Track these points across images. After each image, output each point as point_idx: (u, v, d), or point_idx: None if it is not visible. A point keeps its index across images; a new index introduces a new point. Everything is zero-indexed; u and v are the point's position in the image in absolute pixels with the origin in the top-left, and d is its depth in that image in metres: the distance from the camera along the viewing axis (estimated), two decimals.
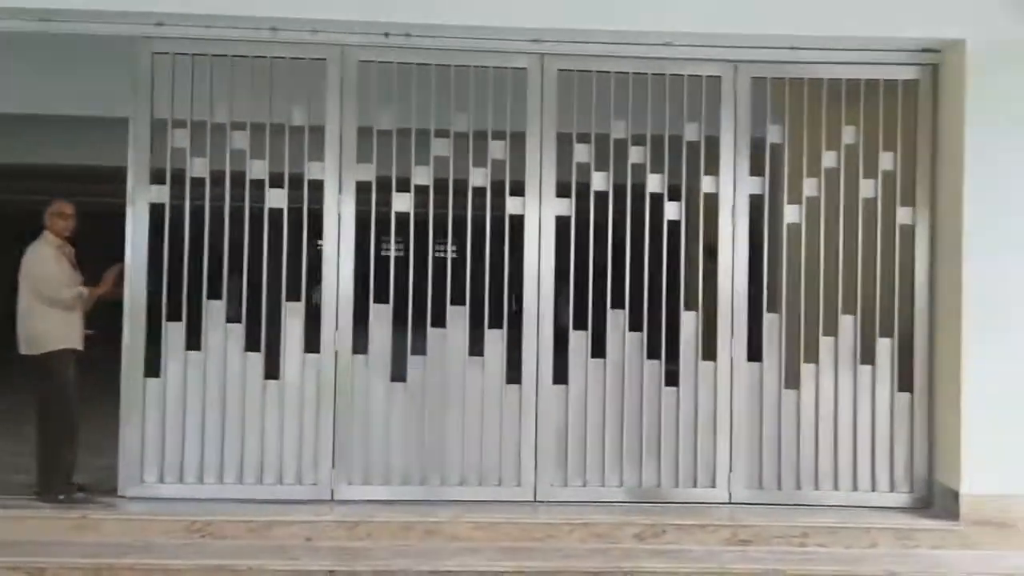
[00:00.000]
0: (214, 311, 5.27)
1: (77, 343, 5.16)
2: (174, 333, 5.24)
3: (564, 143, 5.41)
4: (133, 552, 4.61)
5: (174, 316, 5.22)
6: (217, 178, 5.25)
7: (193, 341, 5.25)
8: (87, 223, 5.46)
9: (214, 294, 5.26)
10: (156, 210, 5.22)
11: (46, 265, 5.12)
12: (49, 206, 5.28)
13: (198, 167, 5.24)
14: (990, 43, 5.14)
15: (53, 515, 4.83)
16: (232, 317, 5.28)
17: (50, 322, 5.09)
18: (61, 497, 5.01)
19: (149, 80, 5.20)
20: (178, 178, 5.22)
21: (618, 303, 5.39)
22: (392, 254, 5.26)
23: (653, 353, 5.43)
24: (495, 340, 5.36)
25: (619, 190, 5.41)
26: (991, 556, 4.94)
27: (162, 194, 5.23)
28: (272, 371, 5.28)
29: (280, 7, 5.00)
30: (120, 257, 5.23)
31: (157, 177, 5.22)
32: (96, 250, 5.65)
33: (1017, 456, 5.09)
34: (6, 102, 7.24)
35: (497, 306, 5.29)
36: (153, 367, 5.23)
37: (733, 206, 5.45)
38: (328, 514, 5.02)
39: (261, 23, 5.08)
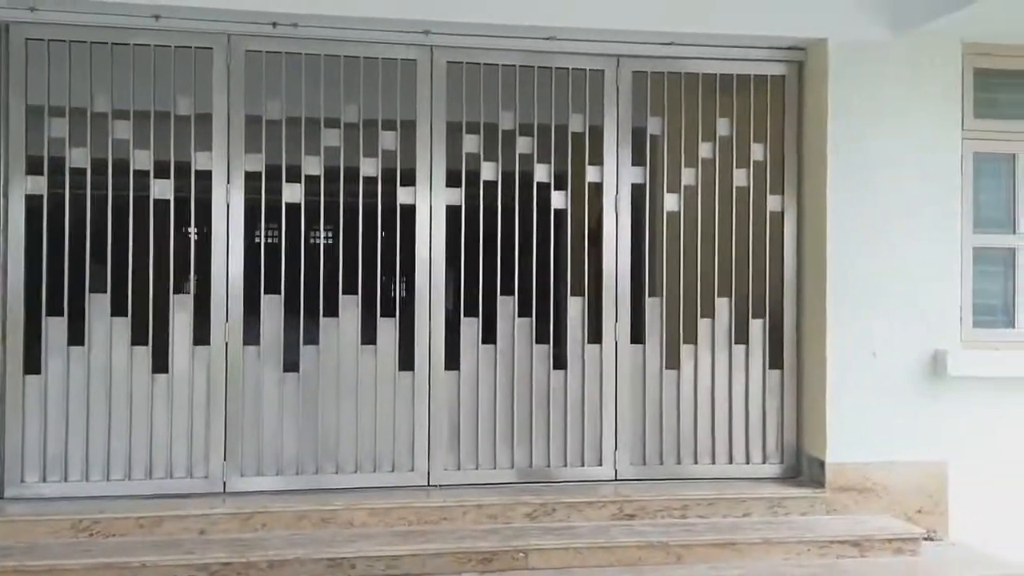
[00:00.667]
0: (98, 304, 5.14)
1: None
2: (55, 328, 5.09)
3: (454, 133, 5.50)
4: (16, 554, 4.47)
5: (55, 311, 5.07)
6: (99, 168, 5.11)
7: (76, 336, 5.11)
8: None
9: (98, 287, 5.14)
10: (32, 201, 5.05)
11: None
12: None
13: (78, 157, 5.08)
14: (850, 43, 5.51)
15: None
16: (117, 310, 5.17)
17: None
18: None
19: (23, 67, 5.01)
20: (57, 168, 5.06)
21: (507, 290, 5.54)
22: (283, 243, 5.25)
23: (541, 338, 5.62)
24: (387, 328, 5.43)
25: (507, 179, 5.55)
26: (854, 519, 5.36)
27: (39, 185, 5.05)
28: (160, 364, 5.20)
29: None
30: None
31: (33, 167, 5.04)
32: None
33: (875, 427, 5.52)
34: None
35: (388, 294, 5.36)
36: (33, 364, 5.07)
37: (616, 194, 5.67)
38: (220, 506, 4.99)
39: (143, 10, 4.95)
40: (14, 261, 5.01)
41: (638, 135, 5.72)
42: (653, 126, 5.74)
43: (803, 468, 5.73)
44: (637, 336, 5.72)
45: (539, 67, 5.55)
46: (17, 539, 4.66)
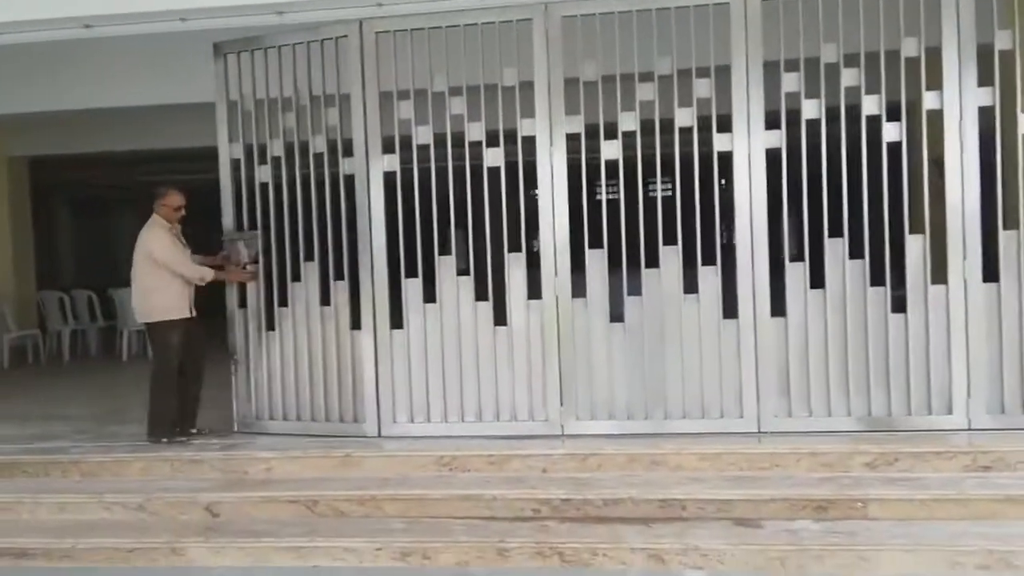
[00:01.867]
0: (446, 266, 5.72)
1: (180, 314, 5.80)
2: (412, 288, 5.75)
3: (770, 73, 5.34)
4: (392, 484, 5.16)
5: (411, 273, 5.72)
6: (439, 142, 5.66)
7: (429, 294, 5.73)
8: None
9: (444, 250, 5.71)
10: (388, 177, 5.72)
11: (164, 245, 5.75)
12: (162, 196, 5.83)
13: (422, 134, 5.66)
14: None
15: (320, 454, 5.47)
16: (462, 270, 5.71)
17: (155, 298, 5.78)
18: (164, 440, 5.75)
19: (375, 58, 5.65)
20: (405, 145, 5.67)
21: (836, 232, 5.30)
22: (604, 199, 5.45)
23: (876, 280, 5.30)
24: (709, 276, 5.45)
25: (832, 115, 5.28)
26: None
27: (393, 163, 5.71)
28: (500, 318, 5.66)
29: None
30: (217, 227, 5.89)
31: (387, 147, 5.70)
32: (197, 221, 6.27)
33: None
34: (111, 97, 8.29)
35: (709, 243, 5.37)
36: (397, 320, 5.77)
37: (960, 120, 5.16)
38: (559, 448, 5.36)
39: None
40: (376, 231, 5.72)
41: (984, 52, 5.15)
42: (1002, 40, 5.13)
43: None
44: (991, 274, 5.19)
45: None
46: (393, 471, 5.37)
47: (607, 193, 5.50)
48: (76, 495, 5.23)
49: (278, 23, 5.64)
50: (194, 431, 5.93)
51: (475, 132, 5.61)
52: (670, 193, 5.44)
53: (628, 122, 5.46)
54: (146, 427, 5.86)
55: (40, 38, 5.85)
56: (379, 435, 5.74)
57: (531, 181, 5.61)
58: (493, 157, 5.62)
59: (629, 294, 5.54)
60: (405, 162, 5.69)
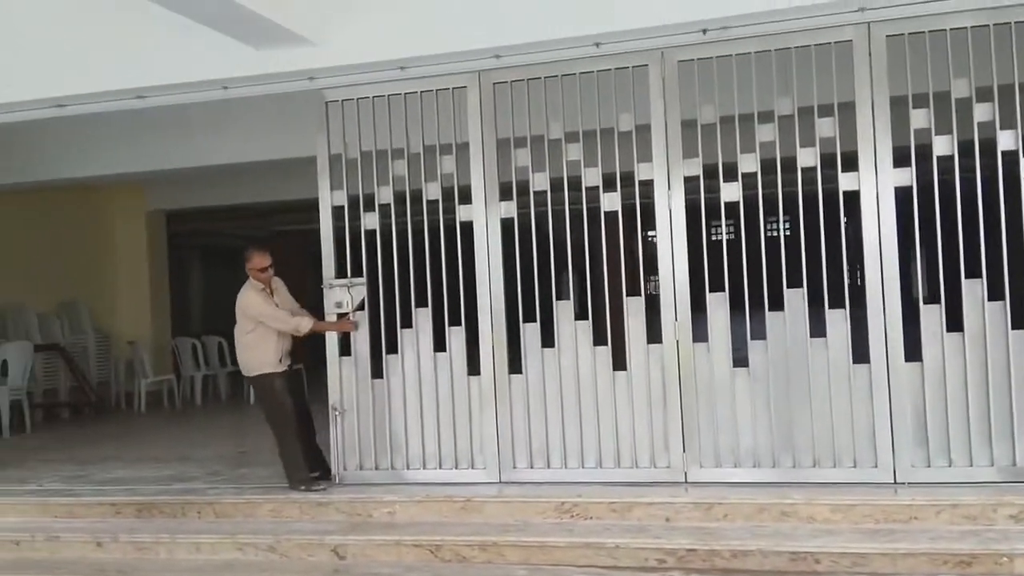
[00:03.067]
0: (564, 310, 5.72)
1: (275, 368, 5.89)
2: (530, 333, 5.77)
3: (898, 109, 5.19)
4: (513, 530, 5.14)
5: (529, 318, 5.75)
6: (555, 187, 5.71)
7: (547, 339, 5.74)
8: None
9: (562, 295, 5.73)
10: (504, 223, 5.79)
11: (254, 303, 5.90)
12: (248, 260, 5.96)
13: (539, 180, 5.72)
14: None
15: (442, 499, 5.51)
16: (579, 315, 5.71)
17: (250, 352, 5.94)
18: (302, 488, 5.78)
19: (492, 108, 5.76)
20: (521, 191, 5.74)
21: (973, 272, 5.06)
22: (724, 238, 5.37)
23: (1018, 323, 5.03)
24: (837, 320, 5.27)
25: (964, 150, 5.08)
26: None
27: (510, 209, 5.78)
28: (619, 362, 5.62)
29: (603, 23, 5.30)
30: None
31: (504, 194, 5.78)
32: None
33: None
34: (239, 152, 8.79)
35: (837, 284, 5.20)
36: (515, 364, 5.79)
37: None
38: (683, 496, 5.25)
39: (585, 40, 5.42)
40: (495, 277, 5.79)
41: None
42: None
43: None
44: None
45: (995, 24, 5.00)
46: (514, 517, 5.35)
47: (727, 234, 5.41)
48: (210, 535, 5.42)
49: (400, 77, 5.82)
50: (330, 476, 6.00)
51: (592, 177, 5.64)
52: (789, 233, 5.32)
53: (748, 163, 5.39)
54: (285, 477, 5.96)
55: (179, 100, 6.20)
56: (499, 480, 5.75)
57: (648, 224, 5.59)
58: (610, 201, 5.63)
59: (753, 338, 5.42)
60: (522, 207, 5.75)
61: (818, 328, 5.30)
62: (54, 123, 6.81)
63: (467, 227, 5.84)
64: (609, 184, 5.61)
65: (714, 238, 5.47)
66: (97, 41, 5.95)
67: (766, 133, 5.35)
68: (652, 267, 5.60)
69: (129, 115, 6.52)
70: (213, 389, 12.20)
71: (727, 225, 5.44)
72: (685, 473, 5.48)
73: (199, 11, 5.18)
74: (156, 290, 12.67)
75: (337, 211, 6.03)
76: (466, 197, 5.84)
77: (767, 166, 5.38)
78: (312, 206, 6.18)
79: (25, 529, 5.76)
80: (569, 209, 5.65)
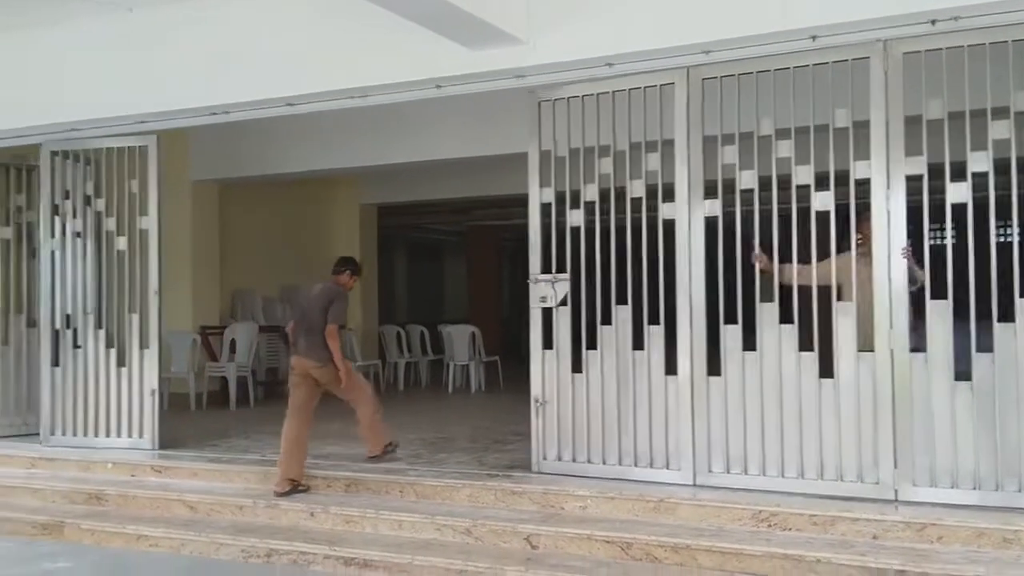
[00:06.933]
0: (768, 313, 5.55)
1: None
2: (731, 336, 5.63)
3: None
4: (707, 535, 5.05)
5: (730, 319, 5.61)
6: (764, 185, 5.54)
7: (748, 342, 5.58)
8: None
9: (766, 297, 5.55)
10: (708, 222, 5.68)
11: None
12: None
13: (746, 179, 5.57)
14: None
15: (635, 496, 5.49)
16: (785, 318, 5.51)
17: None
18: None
19: (700, 104, 5.67)
20: (727, 189, 5.62)
21: None
22: (948, 242, 5.01)
23: None
24: None
25: None
26: None
27: (715, 207, 5.66)
28: (826, 370, 5.38)
29: (821, 15, 5.10)
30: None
31: (708, 191, 5.67)
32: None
33: None
34: (447, 149, 9.17)
35: None
36: (715, 367, 5.67)
37: None
38: (893, 514, 4.95)
39: (800, 34, 5.23)
40: (696, 276, 5.69)
41: None
42: None
43: None
44: None
45: None
46: (707, 522, 5.25)
47: (951, 238, 5.04)
48: (411, 515, 5.66)
49: (608, 75, 5.83)
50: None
51: (803, 175, 5.42)
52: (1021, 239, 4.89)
53: (980, 162, 5.00)
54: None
55: (396, 99, 6.51)
56: (693, 483, 5.66)
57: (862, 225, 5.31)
58: (822, 201, 5.40)
59: (978, 350, 5.03)
60: (727, 206, 5.62)
61: None
62: (281, 122, 7.35)
63: (669, 225, 5.78)
64: (821, 183, 5.38)
65: (938, 242, 5.11)
66: (321, 43, 6.37)
67: (1000, 130, 4.95)
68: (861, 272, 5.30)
69: (347, 113, 6.92)
70: (415, 375, 12.76)
71: (947, 230, 5.07)
72: (895, 491, 5.17)
73: (415, 10, 5.41)
74: (366, 279, 13.40)
75: (545, 208, 6.13)
76: (669, 195, 5.78)
77: (1000, 166, 4.98)
78: (507, 202, 6.32)
79: (248, 495, 6.26)
80: (778, 208, 5.46)
